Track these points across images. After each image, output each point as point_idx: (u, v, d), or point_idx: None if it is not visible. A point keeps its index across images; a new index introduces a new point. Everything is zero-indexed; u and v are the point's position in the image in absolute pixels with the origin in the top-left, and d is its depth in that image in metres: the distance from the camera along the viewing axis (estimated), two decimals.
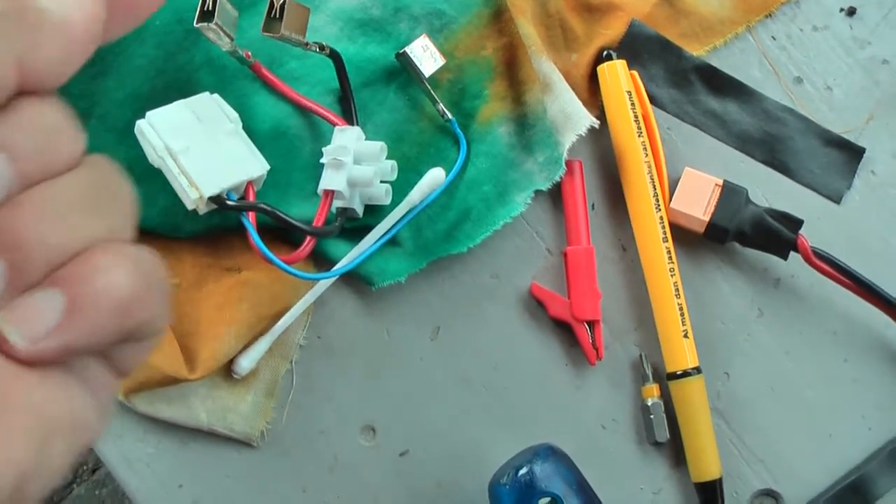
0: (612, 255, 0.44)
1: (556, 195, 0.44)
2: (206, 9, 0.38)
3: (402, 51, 0.42)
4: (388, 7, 0.45)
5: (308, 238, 0.39)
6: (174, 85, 0.43)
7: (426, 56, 0.42)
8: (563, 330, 0.43)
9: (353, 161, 0.41)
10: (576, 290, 0.43)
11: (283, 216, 0.36)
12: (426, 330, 0.43)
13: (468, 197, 0.43)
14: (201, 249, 0.43)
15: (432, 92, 0.43)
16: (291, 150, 0.43)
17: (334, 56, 0.42)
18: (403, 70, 0.43)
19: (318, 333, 0.43)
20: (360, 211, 0.42)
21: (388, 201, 0.42)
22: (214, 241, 0.43)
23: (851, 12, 0.47)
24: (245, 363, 0.42)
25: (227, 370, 0.42)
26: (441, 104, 0.43)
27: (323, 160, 0.40)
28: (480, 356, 0.43)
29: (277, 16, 0.38)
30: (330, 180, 0.40)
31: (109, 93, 0.43)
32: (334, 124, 0.42)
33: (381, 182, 0.42)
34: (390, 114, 0.44)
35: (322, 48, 0.41)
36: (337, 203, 0.41)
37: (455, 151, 0.44)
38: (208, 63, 0.43)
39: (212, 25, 0.38)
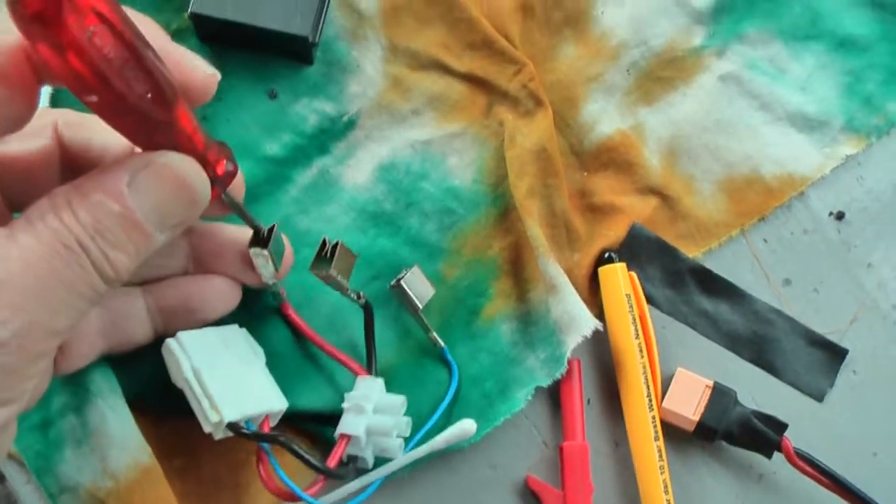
0: (605, 449, 0.47)
1: (553, 389, 0.46)
2: (261, 235, 0.39)
3: (395, 282, 0.43)
4: (401, 202, 0.47)
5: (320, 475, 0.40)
6: None
7: (420, 287, 0.44)
8: None
9: (373, 411, 0.41)
10: (570, 484, 0.45)
11: (300, 452, 0.38)
12: None
13: (470, 394, 0.45)
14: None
15: (426, 322, 0.44)
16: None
17: (367, 308, 0.43)
18: (398, 299, 0.44)
19: None
20: (370, 462, 0.42)
21: (398, 456, 0.42)
22: None
23: (840, 216, 0.50)
24: None
25: None
26: (433, 332, 0.45)
27: (344, 405, 0.41)
28: None
29: (328, 256, 0.40)
30: (349, 425, 0.41)
31: None
32: (357, 374, 0.43)
33: (397, 437, 0.42)
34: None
35: (359, 297, 0.43)
36: (350, 451, 0.41)
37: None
38: None
39: (264, 252, 0.39)
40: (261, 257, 0.39)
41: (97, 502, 0.42)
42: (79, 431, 0.42)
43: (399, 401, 0.42)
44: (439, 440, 0.42)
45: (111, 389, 0.43)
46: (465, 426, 0.42)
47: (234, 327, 0.41)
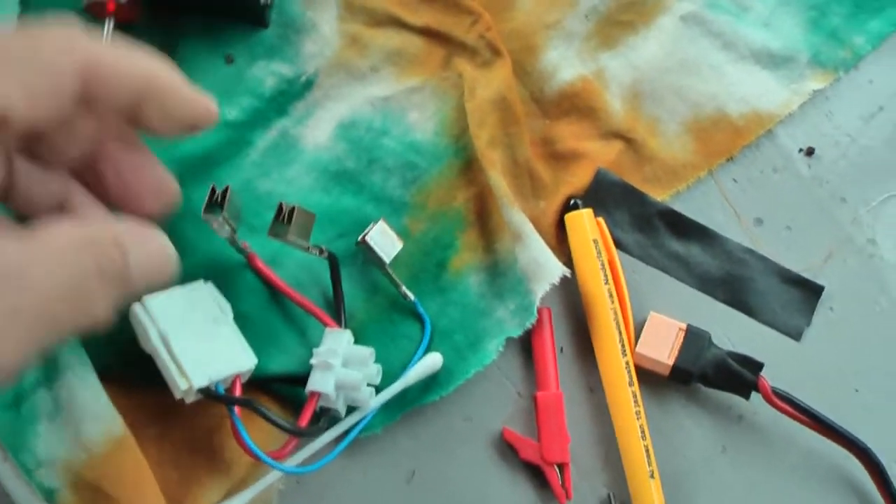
0: (580, 397, 0.46)
1: (524, 339, 0.46)
2: (214, 200, 0.38)
3: (361, 238, 0.43)
4: (362, 159, 0.46)
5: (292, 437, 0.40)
6: None
7: (386, 242, 0.43)
8: (534, 472, 0.45)
9: (342, 364, 0.41)
10: (546, 434, 0.45)
11: (270, 416, 0.37)
12: (402, 473, 0.45)
13: (441, 348, 0.44)
14: None
15: (394, 276, 0.44)
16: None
17: (332, 259, 0.43)
18: (364, 256, 0.44)
19: (297, 478, 0.45)
20: (342, 412, 0.42)
21: (370, 406, 0.43)
22: None
23: (810, 152, 0.49)
24: None
25: None
26: (403, 287, 0.44)
27: (312, 361, 0.41)
28: (454, 499, 0.45)
29: (286, 221, 0.39)
30: (318, 382, 0.40)
31: None
32: (326, 325, 0.43)
33: (367, 386, 0.42)
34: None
35: (321, 251, 0.42)
36: (321, 403, 0.41)
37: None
38: (191, 214, 0.44)
39: (219, 218, 0.38)
40: (215, 223, 0.39)
41: (73, 475, 0.42)
42: (51, 406, 0.42)
43: (367, 352, 0.41)
44: (411, 375, 0.42)
45: (80, 362, 0.42)
46: (434, 358, 0.42)
47: (200, 283, 0.41)
